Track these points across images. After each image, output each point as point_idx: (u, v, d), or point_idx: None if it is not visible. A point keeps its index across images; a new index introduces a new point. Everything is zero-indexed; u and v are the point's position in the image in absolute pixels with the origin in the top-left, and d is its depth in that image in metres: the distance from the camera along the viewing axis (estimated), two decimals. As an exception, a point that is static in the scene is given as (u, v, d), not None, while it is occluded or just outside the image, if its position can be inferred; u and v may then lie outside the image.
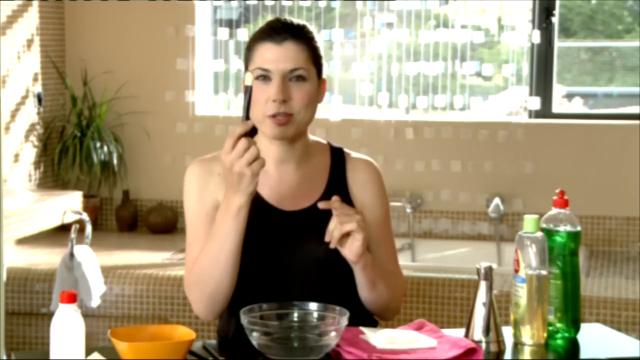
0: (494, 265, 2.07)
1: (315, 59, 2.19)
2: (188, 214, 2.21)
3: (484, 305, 2.02)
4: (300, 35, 2.17)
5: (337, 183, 2.24)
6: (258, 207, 2.13)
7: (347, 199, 2.20)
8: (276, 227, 2.17)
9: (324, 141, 2.30)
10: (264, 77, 2.15)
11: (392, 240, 2.29)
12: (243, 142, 1.97)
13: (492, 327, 2.01)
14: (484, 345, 2.00)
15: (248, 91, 2.04)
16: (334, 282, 2.17)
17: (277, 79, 2.13)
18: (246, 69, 2.21)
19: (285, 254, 2.15)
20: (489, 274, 2.03)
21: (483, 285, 2.03)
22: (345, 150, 2.30)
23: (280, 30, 2.16)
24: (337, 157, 2.27)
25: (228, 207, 2.03)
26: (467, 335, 2.03)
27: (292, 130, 2.16)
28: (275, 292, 2.13)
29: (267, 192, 2.20)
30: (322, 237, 2.07)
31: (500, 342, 2.01)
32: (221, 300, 2.10)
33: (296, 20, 2.21)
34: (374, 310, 2.23)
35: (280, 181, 2.22)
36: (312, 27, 2.22)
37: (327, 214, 2.09)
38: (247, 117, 2.02)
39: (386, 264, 2.23)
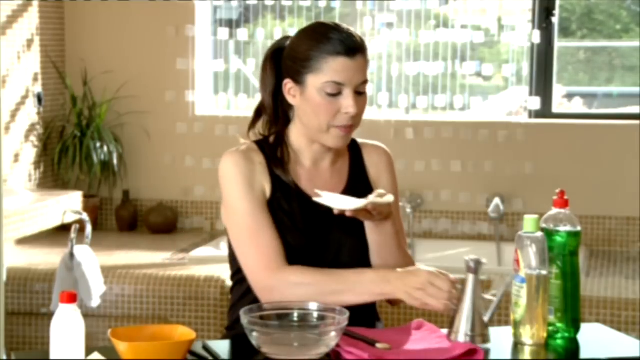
0: (484, 260, 2.07)
1: None
2: (239, 202, 2.23)
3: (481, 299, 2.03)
4: (363, 46, 2.23)
5: (357, 172, 2.36)
6: (297, 195, 2.25)
7: (367, 184, 2.35)
8: (308, 214, 2.25)
9: None
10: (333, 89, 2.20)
11: (401, 220, 2.42)
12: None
13: (477, 320, 2.01)
14: (468, 339, 2.00)
15: None
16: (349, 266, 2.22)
17: (351, 92, 2.21)
18: (297, 78, 2.22)
19: (313, 239, 2.24)
20: (477, 267, 2.03)
21: (471, 278, 2.03)
22: (357, 139, 2.42)
23: (351, 42, 2.20)
24: (354, 148, 2.39)
25: (384, 283, 2.12)
26: (451, 328, 2.03)
27: (350, 139, 2.29)
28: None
29: (304, 184, 2.29)
30: (344, 225, 2.21)
31: (484, 335, 2.01)
32: None
33: (345, 26, 2.25)
34: None
35: (316, 175, 2.31)
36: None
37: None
38: None
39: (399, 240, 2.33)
